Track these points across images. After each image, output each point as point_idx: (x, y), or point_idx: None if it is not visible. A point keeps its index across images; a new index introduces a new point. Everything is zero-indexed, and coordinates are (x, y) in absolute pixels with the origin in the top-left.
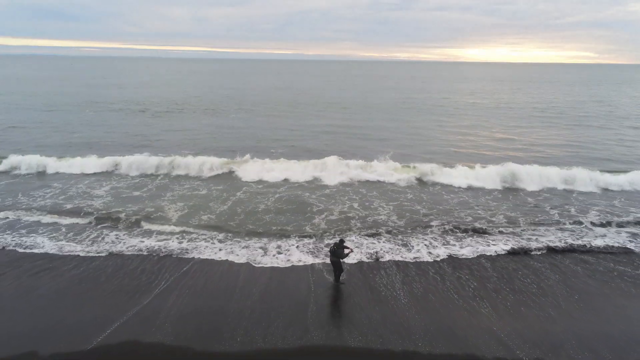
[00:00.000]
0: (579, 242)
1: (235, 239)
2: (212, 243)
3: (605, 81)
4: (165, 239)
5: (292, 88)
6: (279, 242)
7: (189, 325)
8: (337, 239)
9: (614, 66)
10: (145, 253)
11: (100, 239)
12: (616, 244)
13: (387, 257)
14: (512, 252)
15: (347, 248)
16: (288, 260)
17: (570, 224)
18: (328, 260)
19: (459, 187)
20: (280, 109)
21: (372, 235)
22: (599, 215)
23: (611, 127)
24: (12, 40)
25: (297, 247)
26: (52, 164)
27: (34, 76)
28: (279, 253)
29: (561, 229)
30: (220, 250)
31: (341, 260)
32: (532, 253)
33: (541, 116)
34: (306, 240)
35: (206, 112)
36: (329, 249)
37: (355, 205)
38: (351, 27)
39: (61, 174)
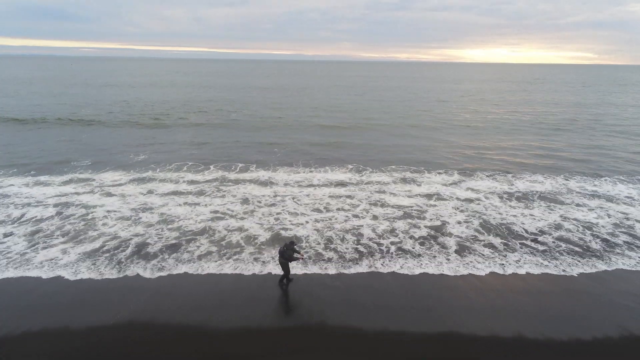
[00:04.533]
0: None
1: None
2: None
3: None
4: None
5: (276, 91)
6: None
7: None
8: (287, 241)
9: (614, 67)
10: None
11: None
12: None
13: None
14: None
15: (298, 253)
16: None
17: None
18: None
19: None
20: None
21: None
22: None
23: None
24: (11, 40)
25: None
26: None
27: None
28: None
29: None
30: None
31: (289, 263)
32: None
33: None
34: None
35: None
36: (278, 250)
37: None
38: (350, 27)
39: None
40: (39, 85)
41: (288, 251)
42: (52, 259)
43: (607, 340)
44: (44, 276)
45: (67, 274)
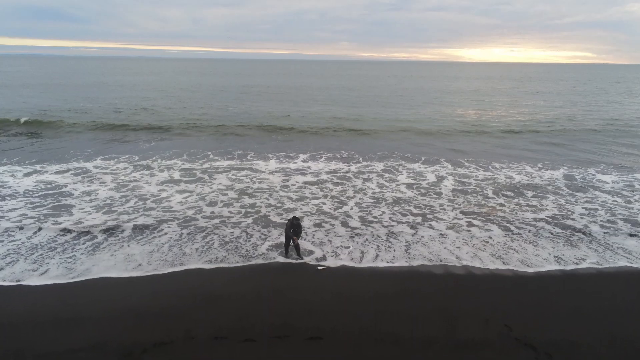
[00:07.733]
0: None
1: None
2: None
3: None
4: None
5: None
6: None
7: None
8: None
9: (612, 66)
10: None
11: None
12: None
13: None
14: None
15: (298, 227)
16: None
17: None
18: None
19: None
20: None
21: None
22: None
23: None
24: (9, 40)
25: None
26: None
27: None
28: None
29: None
30: None
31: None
32: None
33: None
34: None
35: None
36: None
37: None
38: (349, 27)
39: None
40: (36, 84)
41: (287, 224)
42: None
43: None
44: None
45: None
